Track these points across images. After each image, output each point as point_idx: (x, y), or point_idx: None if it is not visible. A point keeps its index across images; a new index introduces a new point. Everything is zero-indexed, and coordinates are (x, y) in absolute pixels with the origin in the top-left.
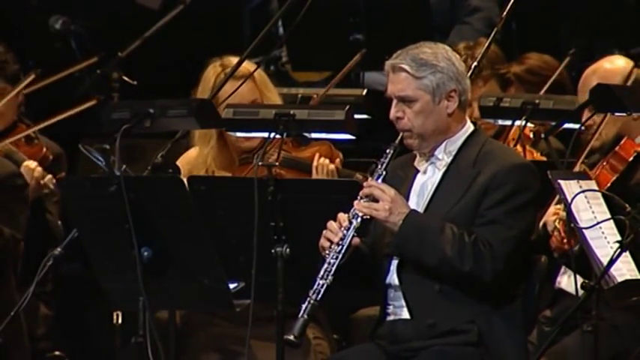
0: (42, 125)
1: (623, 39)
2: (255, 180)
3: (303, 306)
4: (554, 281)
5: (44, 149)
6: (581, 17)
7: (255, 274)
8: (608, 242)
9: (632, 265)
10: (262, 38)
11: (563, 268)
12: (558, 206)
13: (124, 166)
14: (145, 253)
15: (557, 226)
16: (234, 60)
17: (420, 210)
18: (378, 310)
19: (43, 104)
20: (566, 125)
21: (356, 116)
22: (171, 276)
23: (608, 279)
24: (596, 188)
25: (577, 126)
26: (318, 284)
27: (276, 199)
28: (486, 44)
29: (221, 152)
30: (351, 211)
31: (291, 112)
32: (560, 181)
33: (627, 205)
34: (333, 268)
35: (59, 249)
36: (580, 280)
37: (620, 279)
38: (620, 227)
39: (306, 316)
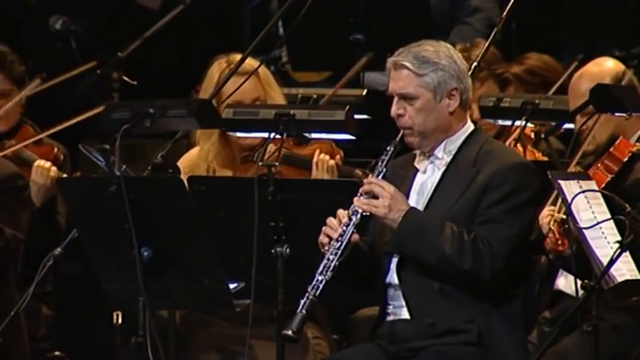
0: (53, 130)
1: (623, 39)
2: (255, 180)
3: (302, 301)
4: (554, 282)
5: (55, 149)
6: (581, 17)
7: (255, 274)
8: (608, 242)
9: (632, 265)
10: (262, 38)
11: (560, 270)
12: (552, 207)
13: (124, 166)
14: (145, 253)
15: (552, 227)
16: (240, 57)
17: (420, 209)
18: (378, 309)
19: (42, 103)
20: (566, 126)
21: (356, 116)
22: (171, 276)
23: (608, 279)
24: (596, 188)
25: (575, 127)
26: (317, 280)
27: (276, 199)
28: (486, 45)
29: (223, 150)
30: (351, 207)
31: (291, 112)
32: (560, 181)
33: (627, 205)
34: (332, 264)
35: (59, 249)
36: (578, 281)
37: (620, 279)
38: (620, 227)
39: (304, 311)
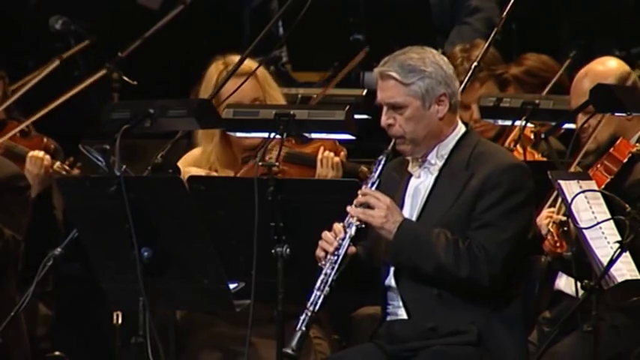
0: (37, 116)
1: (623, 39)
2: (255, 180)
3: (301, 318)
4: (554, 282)
5: (44, 139)
6: (581, 17)
7: (255, 274)
8: (608, 242)
9: (632, 265)
10: (262, 38)
11: None
12: (551, 209)
13: (124, 166)
14: (145, 253)
15: (551, 229)
16: (237, 58)
17: (415, 213)
18: (379, 309)
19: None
20: (566, 126)
21: (356, 116)
22: (171, 276)
23: (608, 279)
24: (596, 188)
25: (576, 126)
26: (315, 295)
27: (277, 199)
28: (486, 45)
29: (224, 150)
30: (346, 219)
31: (291, 112)
32: (560, 181)
33: (627, 205)
34: (330, 279)
35: (59, 249)
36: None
37: (620, 279)
38: (620, 227)
39: (304, 328)
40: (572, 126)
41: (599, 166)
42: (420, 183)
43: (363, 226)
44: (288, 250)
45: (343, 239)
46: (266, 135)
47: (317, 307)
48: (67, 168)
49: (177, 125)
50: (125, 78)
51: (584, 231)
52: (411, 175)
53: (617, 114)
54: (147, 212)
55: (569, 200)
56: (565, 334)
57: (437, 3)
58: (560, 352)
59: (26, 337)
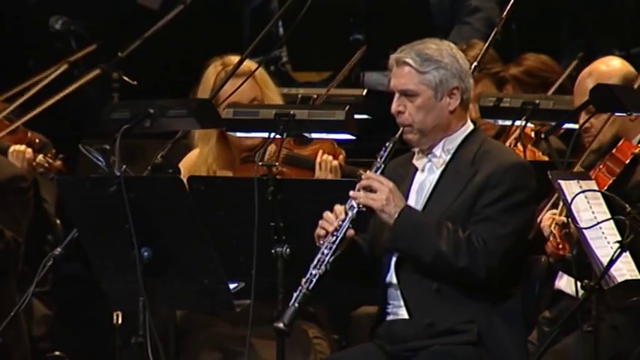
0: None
1: (623, 39)
2: (255, 180)
3: (295, 294)
4: (554, 282)
5: (28, 134)
6: (581, 17)
7: (255, 274)
8: (608, 242)
9: (632, 265)
10: (262, 38)
11: None
12: (554, 211)
13: (124, 166)
14: (145, 253)
15: (553, 231)
16: (235, 59)
17: (419, 208)
18: (377, 308)
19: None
20: (566, 125)
21: (356, 116)
22: (171, 276)
23: (608, 279)
24: (596, 188)
25: (577, 126)
26: (311, 274)
27: (277, 199)
28: (486, 45)
29: (222, 151)
30: (348, 202)
31: (291, 112)
32: (560, 181)
33: (627, 205)
34: (327, 259)
35: (59, 249)
36: (578, 283)
37: (620, 279)
38: (620, 227)
39: (297, 304)
40: (572, 126)
41: (601, 167)
42: (426, 178)
43: (365, 209)
44: (288, 250)
45: (343, 220)
46: (266, 135)
47: (311, 284)
48: (49, 161)
49: (177, 125)
50: (125, 78)
51: (584, 231)
52: (416, 170)
53: (617, 114)
54: (147, 212)
55: (569, 200)
56: (565, 334)
57: (437, 3)
58: (560, 352)
59: (26, 337)
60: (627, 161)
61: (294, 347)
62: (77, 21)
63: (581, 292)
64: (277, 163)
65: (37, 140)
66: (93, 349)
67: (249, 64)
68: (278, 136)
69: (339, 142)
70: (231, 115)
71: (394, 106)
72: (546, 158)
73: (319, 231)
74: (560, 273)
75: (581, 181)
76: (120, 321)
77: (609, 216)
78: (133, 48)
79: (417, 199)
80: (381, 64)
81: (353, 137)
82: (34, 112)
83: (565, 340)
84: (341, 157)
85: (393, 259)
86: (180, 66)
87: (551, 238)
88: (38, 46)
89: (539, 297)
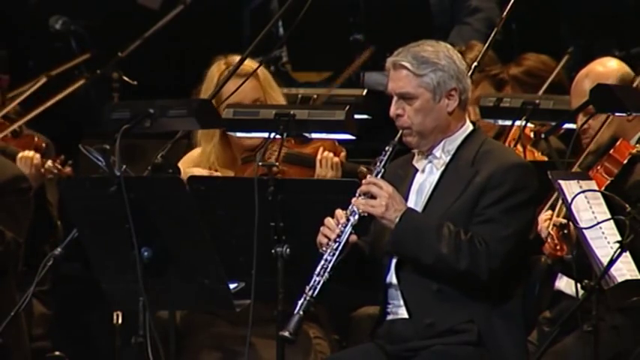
0: (28, 117)
1: (623, 39)
2: (255, 180)
3: (299, 302)
4: (554, 282)
5: (35, 138)
6: (581, 17)
7: (255, 274)
8: (608, 242)
9: (632, 265)
10: (262, 38)
11: None
12: (551, 212)
13: (124, 166)
14: (145, 253)
15: (551, 232)
16: (238, 58)
17: (419, 209)
18: (378, 308)
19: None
20: (566, 125)
21: (356, 116)
22: (171, 276)
23: (608, 279)
24: (596, 188)
25: (576, 126)
26: (315, 280)
27: (277, 199)
28: (486, 45)
29: (224, 151)
30: (349, 208)
31: (292, 112)
32: (560, 181)
33: (627, 205)
34: (330, 265)
35: (59, 249)
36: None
37: (620, 279)
38: (620, 227)
39: (301, 312)
40: (572, 126)
41: (599, 167)
42: (425, 179)
43: (366, 214)
44: (288, 250)
45: (345, 226)
46: (266, 135)
47: (315, 292)
48: (58, 167)
49: (177, 125)
50: (125, 78)
51: (585, 231)
52: (416, 171)
53: (617, 114)
54: (147, 212)
55: (570, 200)
56: (565, 334)
57: (437, 3)
58: (560, 352)
59: (26, 337)
60: (625, 161)
61: (295, 347)
62: (77, 21)
63: (581, 292)
64: (277, 163)
65: (44, 144)
66: (93, 349)
67: (251, 64)
68: (278, 136)
69: (339, 142)
70: (231, 115)
71: (393, 110)
72: (545, 159)
73: (321, 238)
74: (559, 274)
75: (581, 181)
76: (120, 321)
77: (609, 216)
78: (133, 48)
79: (416, 200)
80: (381, 64)
81: (353, 137)
82: (34, 113)
83: (565, 340)
84: (342, 154)
85: (394, 260)
86: (181, 66)
87: (548, 240)
88: (38, 46)
89: (540, 297)
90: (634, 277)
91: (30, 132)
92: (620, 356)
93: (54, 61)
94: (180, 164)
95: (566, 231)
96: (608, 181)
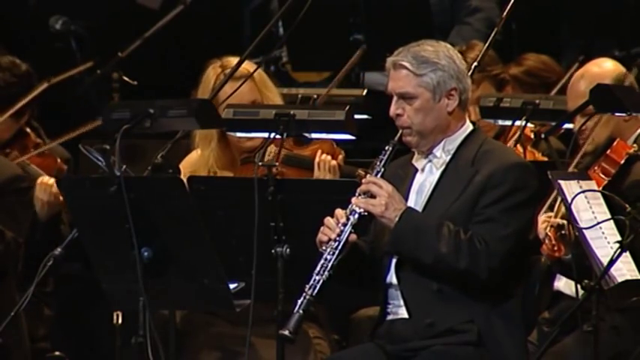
0: (55, 142)
1: (623, 39)
2: (255, 180)
3: (299, 301)
4: (553, 282)
5: (58, 160)
6: (581, 17)
7: (255, 274)
8: (608, 242)
9: (632, 265)
10: (262, 38)
11: None
12: (549, 213)
13: (124, 166)
14: (145, 253)
15: (548, 233)
16: (234, 61)
17: (419, 209)
18: (378, 310)
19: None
20: (566, 126)
21: (356, 116)
22: (171, 276)
23: (608, 279)
24: (596, 188)
25: (573, 127)
26: (315, 280)
27: (276, 199)
28: (486, 45)
29: (223, 153)
30: (349, 207)
31: (291, 112)
32: (560, 181)
33: (627, 205)
34: (330, 264)
35: (59, 249)
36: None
37: (620, 279)
38: (620, 227)
39: (301, 311)
40: (572, 126)
41: (596, 168)
42: (426, 179)
43: (366, 214)
44: (288, 250)
45: (345, 225)
46: (266, 135)
47: (315, 291)
48: None
49: (177, 125)
50: (125, 78)
51: (584, 231)
52: (416, 171)
53: (617, 114)
54: (147, 212)
55: (570, 200)
56: (565, 334)
57: (437, 3)
58: (560, 352)
59: (27, 338)
60: (622, 161)
61: (294, 347)
62: (77, 21)
63: (580, 292)
64: (277, 163)
65: (66, 167)
66: (93, 349)
67: (247, 66)
68: (278, 137)
69: (339, 142)
70: (231, 115)
71: (392, 109)
72: (545, 159)
73: (321, 237)
74: (558, 274)
75: (581, 181)
76: (120, 321)
77: (609, 216)
78: (133, 48)
79: (416, 199)
80: (381, 64)
81: (353, 137)
82: (64, 139)
83: (565, 340)
84: (340, 157)
85: (394, 260)
86: (180, 66)
87: (546, 241)
88: (38, 46)
89: (539, 297)
90: (634, 277)
91: (52, 146)
92: (620, 356)
93: (54, 61)
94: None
95: (563, 232)
96: (606, 182)
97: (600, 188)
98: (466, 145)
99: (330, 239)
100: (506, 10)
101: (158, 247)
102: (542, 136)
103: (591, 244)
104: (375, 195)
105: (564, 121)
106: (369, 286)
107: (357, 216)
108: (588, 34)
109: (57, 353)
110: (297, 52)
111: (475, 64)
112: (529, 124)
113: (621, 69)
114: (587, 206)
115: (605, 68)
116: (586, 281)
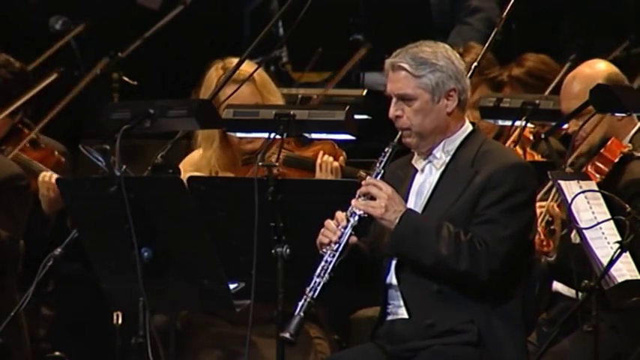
0: (42, 125)
1: (623, 39)
2: (255, 180)
3: (300, 303)
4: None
5: (55, 152)
6: (581, 17)
7: (256, 275)
8: (608, 242)
9: (632, 265)
10: (262, 38)
11: None
12: (542, 203)
13: (124, 167)
14: (145, 253)
15: (538, 229)
16: (237, 61)
17: (419, 210)
18: (378, 310)
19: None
20: (566, 126)
21: (356, 116)
22: (171, 276)
23: (608, 279)
24: (596, 188)
25: (569, 128)
26: (315, 282)
27: (277, 200)
28: (486, 45)
29: (224, 153)
30: (349, 209)
31: (291, 112)
32: (560, 181)
33: (627, 205)
34: (330, 267)
35: (59, 249)
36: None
37: (620, 279)
38: (620, 227)
39: (302, 314)
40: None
41: (590, 166)
42: (425, 180)
43: (366, 215)
44: (288, 250)
45: (345, 228)
46: (266, 135)
47: (316, 293)
48: None
49: (177, 125)
50: (125, 78)
51: (585, 231)
52: (416, 172)
53: (617, 114)
54: (147, 212)
55: (569, 200)
56: (565, 334)
57: (437, 3)
58: (560, 352)
59: (27, 338)
60: (616, 160)
61: (295, 347)
62: (77, 21)
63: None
64: (278, 164)
65: (63, 160)
66: (93, 349)
67: (248, 68)
68: (278, 137)
69: (339, 142)
70: (231, 116)
71: (392, 111)
72: (544, 159)
73: (322, 239)
74: None
75: (581, 182)
76: (120, 321)
77: (609, 216)
78: (133, 48)
79: (416, 200)
80: (381, 64)
81: (353, 137)
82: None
83: (565, 340)
84: (341, 158)
85: (394, 261)
86: (180, 66)
87: (536, 236)
88: (38, 46)
89: (539, 298)
90: (634, 277)
91: (47, 141)
92: (620, 356)
93: (54, 61)
94: (180, 166)
95: (552, 227)
96: (599, 179)
97: None
98: (466, 145)
99: (330, 241)
100: (506, 10)
101: (158, 248)
102: (543, 136)
103: (591, 245)
104: (375, 197)
105: (564, 121)
106: (368, 287)
107: (357, 218)
108: (588, 34)
109: (57, 353)
110: (297, 52)
111: (475, 64)
112: (529, 125)
113: (613, 69)
114: (587, 206)
115: (597, 69)
116: (586, 281)
